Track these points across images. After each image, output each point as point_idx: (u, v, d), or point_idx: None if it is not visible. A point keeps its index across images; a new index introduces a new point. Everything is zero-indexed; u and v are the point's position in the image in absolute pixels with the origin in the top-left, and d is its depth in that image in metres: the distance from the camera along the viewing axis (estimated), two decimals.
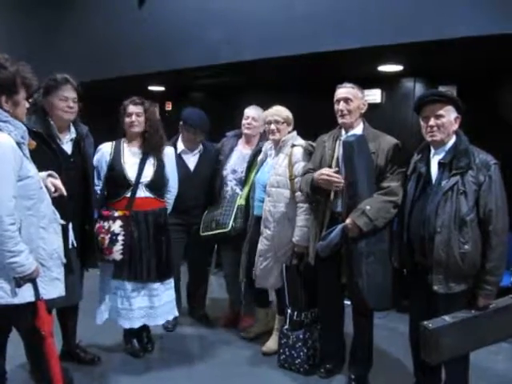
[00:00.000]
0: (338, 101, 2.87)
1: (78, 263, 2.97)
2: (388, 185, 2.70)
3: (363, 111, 2.92)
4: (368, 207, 2.64)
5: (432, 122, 2.43)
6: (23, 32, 6.37)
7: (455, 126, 2.47)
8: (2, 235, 1.99)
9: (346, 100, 2.84)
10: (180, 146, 3.80)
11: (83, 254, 3.00)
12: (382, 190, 2.70)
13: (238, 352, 3.51)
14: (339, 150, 2.86)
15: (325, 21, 3.85)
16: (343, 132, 2.92)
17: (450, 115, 2.44)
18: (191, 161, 3.79)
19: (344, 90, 2.87)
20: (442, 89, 4.82)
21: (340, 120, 2.88)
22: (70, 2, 5.84)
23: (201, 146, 3.84)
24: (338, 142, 2.91)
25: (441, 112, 2.42)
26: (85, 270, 3.12)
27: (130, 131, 3.20)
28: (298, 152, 3.22)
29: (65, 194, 2.45)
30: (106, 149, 3.23)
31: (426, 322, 2.31)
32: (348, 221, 2.68)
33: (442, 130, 2.43)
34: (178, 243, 3.68)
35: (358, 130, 2.88)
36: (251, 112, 3.75)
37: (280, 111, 3.35)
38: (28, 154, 2.17)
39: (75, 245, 2.90)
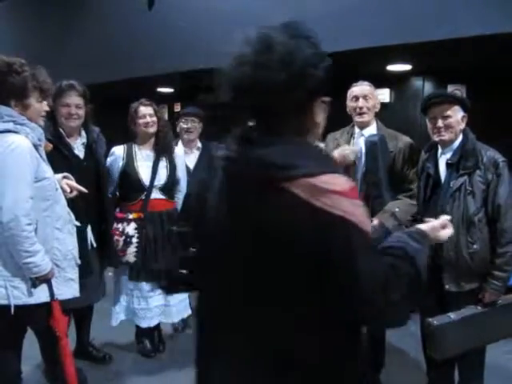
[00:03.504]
0: (357, 97, 2.84)
1: (97, 263, 3.01)
2: (413, 187, 2.71)
3: (377, 110, 2.91)
4: (397, 209, 2.65)
5: (440, 123, 2.43)
6: (35, 35, 6.43)
7: (462, 126, 2.46)
8: (19, 235, 2.01)
9: (365, 97, 2.82)
10: (179, 146, 3.79)
11: (102, 253, 3.05)
12: (407, 191, 2.72)
13: None
14: None
15: (334, 21, 3.85)
16: (357, 130, 2.91)
17: (457, 115, 2.43)
18: (190, 160, 3.77)
19: (362, 88, 2.84)
20: (450, 88, 4.82)
21: (358, 119, 2.85)
22: (80, 5, 5.89)
23: (199, 144, 3.84)
24: (352, 140, 2.90)
25: (448, 113, 2.42)
26: (104, 269, 3.17)
27: (145, 132, 3.22)
28: None
29: (84, 191, 2.49)
30: (118, 153, 3.24)
31: (430, 319, 2.31)
32: (376, 222, 2.67)
33: (449, 130, 2.43)
34: None
35: (372, 128, 2.87)
36: None
37: None
38: (44, 156, 2.20)
39: (94, 245, 2.94)
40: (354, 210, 1.03)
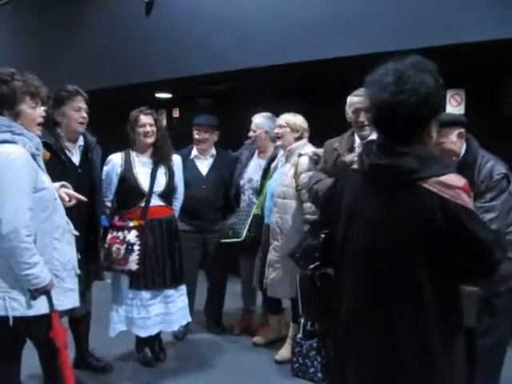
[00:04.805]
0: (358, 110, 2.76)
1: (84, 273, 2.95)
2: None
3: None
4: None
5: (437, 152, 2.36)
6: (33, 42, 6.42)
7: (461, 141, 2.37)
8: (18, 247, 1.99)
9: (367, 110, 2.75)
10: (194, 152, 3.85)
11: (88, 265, 2.95)
12: None
13: (251, 360, 3.49)
14: None
15: (332, 27, 3.84)
16: (357, 140, 2.85)
17: (449, 137, 2.34)
18: (204, 165, 3.83)
19: (364, 99, 2.77)
20: (450, 92, 4.80)
21: (360, 132, 2.80)
22: (77, 11, 5.87)
23: (214, 151, 3.87)
24: (352, 151, 2.83)
25: (441, 140, 2.30)
26: (91, 281, 3.09)
27: (144, 141, 3.20)
28: (304, 162, 3.17)
29: (83, 199, 2.47)
30: (116, 160, 3.23)
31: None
32: None
33: (448, 153, 2.33)
34: (193, 250, 3.70)
35: (374, 138, 2.81)
36: (254, 120, 3.77)
37: (288, 116, 3.35)
38: (43, 166, 2.18)
39: (79, 256, 2.89)
40: (469, 201, 1.44)
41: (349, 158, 2.65)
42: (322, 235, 1.78)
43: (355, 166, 1.62)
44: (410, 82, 1.44)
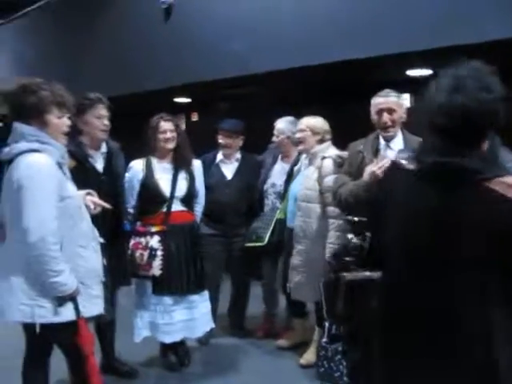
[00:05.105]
0: (381, 111, 2.72)
1: (109, 279, 2.96)
2: None
3: (403, 120, 2.78)
4: None
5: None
6: (53, 50, 6.52)
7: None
8: (45, 255, 2.01)
9: (390, 111, 2.71)
10: (219, 156, 3.85)
11: (114, 271, 2.95)
12: None
13: (276, 364, 3.48)
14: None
15: (352, 29, 3.83)
16: (382, 142, 2.81)
17: None
18: (229, 169, 3.84)
19: (387, 100, 2.72)
20: None
21: (383, 133, 2.76)
22: (96, 18, 5.95)
23: (239, 155, 3.87)
24: (377, 153, 2.79)
25: None
26: (117, 287, 3.11)
27: (165, 147, 3.22)
28: (328, 165, 3.12)
29: (108, 207, 2.49)
30: (137, 166, 3.24)
31: None
32: None
33: None
34: (219, 254, 3.70)
35: (399, 140, 2.77)
36: (276, 126, 3.76)
37: (308, 119, 3.31)
38: (68, 174, 2.21)
39: (105, 263, 2.90)
40: None
41: (396, 156, 2.61)
42: (367, 235, 1.77)
43: (407, 166, 1.56)
44: (495, 92, 1.42)
